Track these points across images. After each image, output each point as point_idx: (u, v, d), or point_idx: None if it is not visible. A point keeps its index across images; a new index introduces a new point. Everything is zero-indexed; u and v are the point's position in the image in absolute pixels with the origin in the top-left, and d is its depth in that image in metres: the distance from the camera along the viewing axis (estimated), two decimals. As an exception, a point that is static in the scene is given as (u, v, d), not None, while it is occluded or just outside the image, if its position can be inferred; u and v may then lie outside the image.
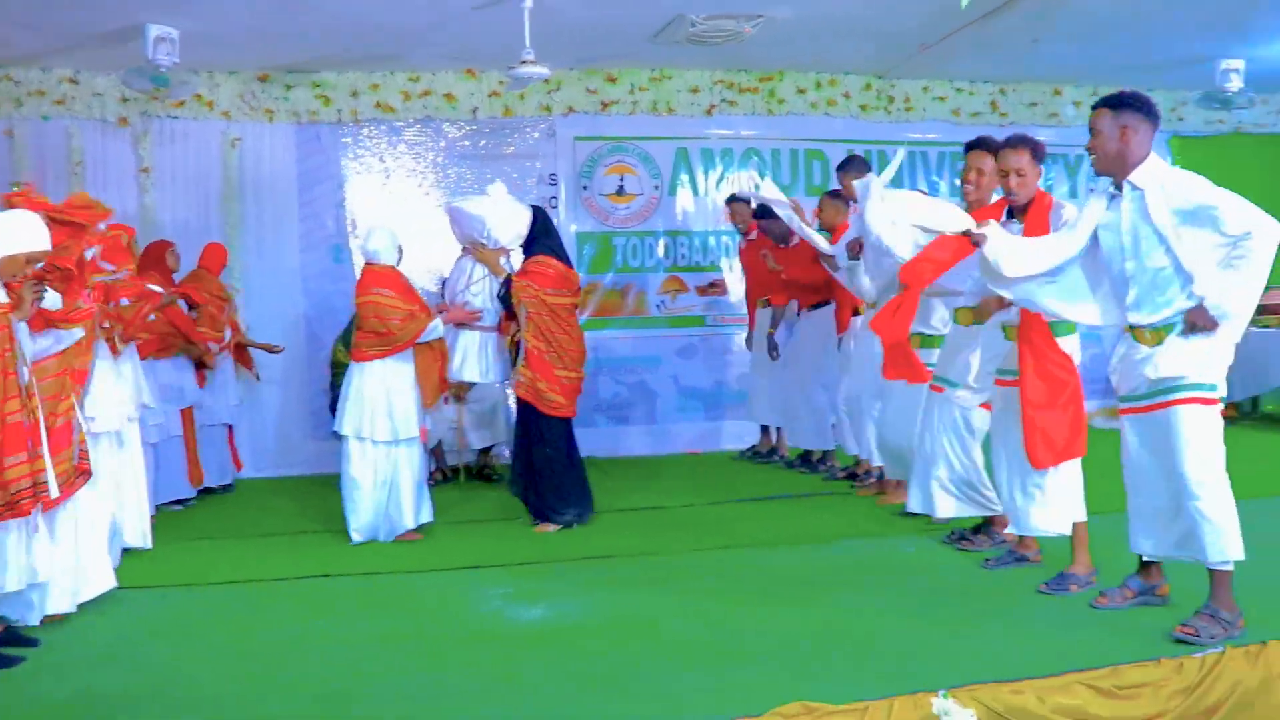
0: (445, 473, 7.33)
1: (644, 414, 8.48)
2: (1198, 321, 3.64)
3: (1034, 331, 4.31)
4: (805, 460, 7.28)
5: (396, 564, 5.17)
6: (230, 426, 7.25)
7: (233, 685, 3.63)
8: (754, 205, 7.37)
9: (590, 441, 8.04)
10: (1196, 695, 3.33)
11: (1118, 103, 3.82)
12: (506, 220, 5.94)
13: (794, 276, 6.89)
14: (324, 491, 6.89)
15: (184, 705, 3.46)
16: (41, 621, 4.17)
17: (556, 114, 8.27)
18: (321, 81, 7.89)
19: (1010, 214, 4.49)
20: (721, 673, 3.53)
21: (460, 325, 5.92)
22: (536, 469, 5.79)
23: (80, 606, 4.35)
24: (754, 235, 7.46)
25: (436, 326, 5.61)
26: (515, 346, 5.82)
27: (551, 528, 5.74)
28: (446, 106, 8.07)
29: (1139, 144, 3.77)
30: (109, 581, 4.52)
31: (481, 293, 6.01)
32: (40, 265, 4.09)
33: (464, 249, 6.19)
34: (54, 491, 3.95)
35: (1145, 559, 4.04)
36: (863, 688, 3.24)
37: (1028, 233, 4.34)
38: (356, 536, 5.57)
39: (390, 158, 8.12)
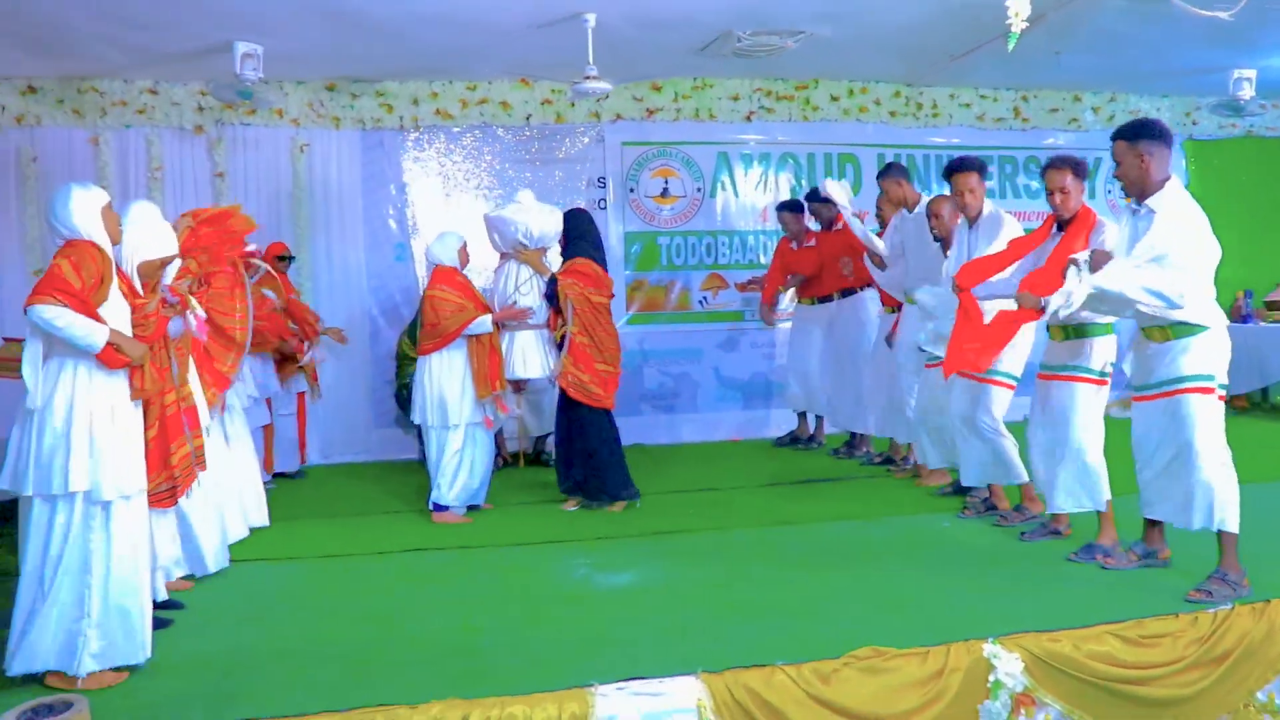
0: (506, 458, 7.84)
1: (687, 403, 9.01)
2: (1095, 260, 4.23)
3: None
4: (847, 445, 7.78)
5: (483, 539, 5.67)
6: (300, 417, 7.76)
7: (361, 641, 4.07)
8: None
9: (637, 429, 8.61)
10: (1209, 644, 3.86)
11: (1132, 134, 4.32)
12: (542, 220, 6.45)
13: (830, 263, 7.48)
14: (395, 475, 7.44)
15: (322, 658, 3.89)
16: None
17: (605, 120, 8.77)
18: (385, 90, 8.39)
19: (1059, 227, 4.94)
20: (796, 624, 4.04)
21: (511, 326, 6.37)
22: (585, 459, 6.21)
23: (204, 578, 4.91)
24: (812, 242, 7.92)
25: (485, 321, 6.05)
26: (561, 341, 6.21)
27: (619, 506, 6.20)
28: (502, 113, 8.58)
29: (1158, 167, 4.28)
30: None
31: (530, 292, 6.48)
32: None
33: (502, 255, 6.67)
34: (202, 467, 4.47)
35: (1149, 525, 4.62)
36: (922, 636, 3.76)
37: (1064, 242, 4.80)
38: (453, 503, 6.13)
39: (449, 162, 8.63)
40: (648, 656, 3.71)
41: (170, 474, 4.21)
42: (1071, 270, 4.40)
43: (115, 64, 7.57)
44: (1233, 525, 4.18)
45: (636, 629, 4.11)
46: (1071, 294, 4.32)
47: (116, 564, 3.70)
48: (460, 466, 6.11)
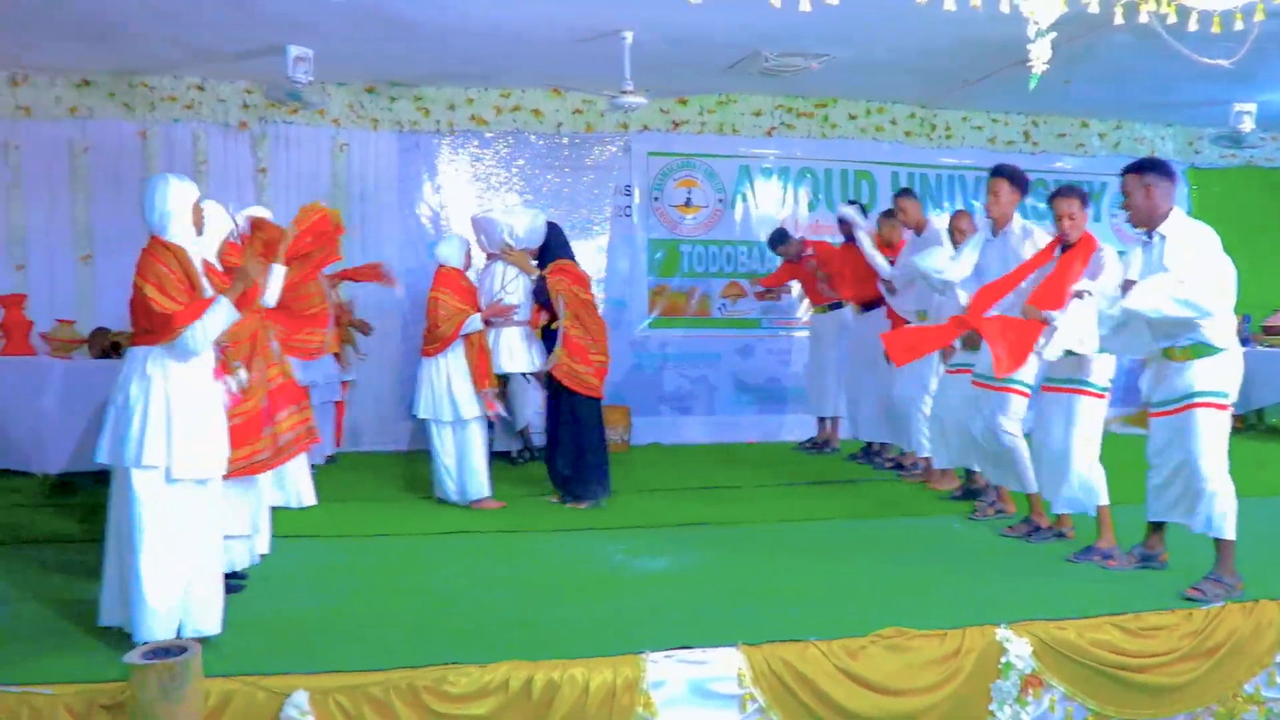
0: (532, 451, 8.15)
1: (704, 406, 9.37)
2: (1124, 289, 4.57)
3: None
4: (865, 452, 8.11)
5: (520, 524, 6.02)
6: (339, 404, 8.09)
7: (420, 613, 4.37)
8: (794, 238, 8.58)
9: (655, 429, 8.99)
10: (1201, 638, 4.22)
11: (1140, 168, 4.72)
12: (528, 221, 6.75)
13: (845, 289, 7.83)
14: (427, 464, 7.73)
15: (387, 626, 4.20)
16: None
17: (632, 131, 9.12)
18: (422, 94, 8.73)
19: (1063, 250, 5.30)
20: (825, 606, 4.40)
21: (497, 323, 6.61)
22: (571, 451, 6.50)
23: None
24: (810, 251, 8.37)
25: (475, 320, 6.41)
26: (544, 335, 6.53)
27: (584, 505, 6.46)
28: (534, 121, 8.92)
29: (1162, 198, 4.67)
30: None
31: (516, 290, 6.80)
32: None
33: (489, 255, 7.01)
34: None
35: (1152, 530, 4.96)
36: (939, 620, 4.11)
37: (1063, 262, 5.18)
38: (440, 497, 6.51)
39: (481, 166, 8.97)
40: (691, 630, 4.03)
41: (274, 442, 4.45)
42: (1074, 302, 4.79)
43: (166, 60, 7.87)
44: (1230, 533, 4.53)
45: (678, 607, 4.44)
46: (1079, 320, 4.75)
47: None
48: (473, 458, 6.45)
